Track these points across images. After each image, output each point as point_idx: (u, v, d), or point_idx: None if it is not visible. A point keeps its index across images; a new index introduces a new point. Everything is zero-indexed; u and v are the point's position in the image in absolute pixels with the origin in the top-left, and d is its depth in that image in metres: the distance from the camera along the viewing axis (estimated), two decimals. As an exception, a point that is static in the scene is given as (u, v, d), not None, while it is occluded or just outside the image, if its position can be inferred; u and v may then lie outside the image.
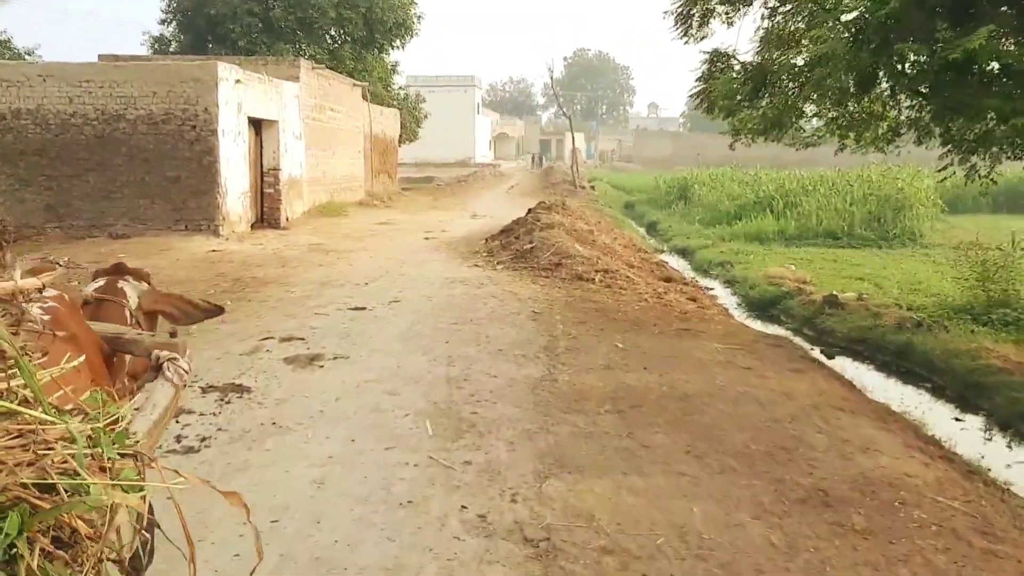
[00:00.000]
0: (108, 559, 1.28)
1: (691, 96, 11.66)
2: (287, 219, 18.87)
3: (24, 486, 1.17)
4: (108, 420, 1.43)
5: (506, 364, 6.96)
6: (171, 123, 14.85)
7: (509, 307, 9.60)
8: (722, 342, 8.42)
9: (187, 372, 2.21)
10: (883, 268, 16.73)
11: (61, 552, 1.21)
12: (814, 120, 11.63)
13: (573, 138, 38.90)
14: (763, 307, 13.51)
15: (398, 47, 33.14)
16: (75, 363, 1.56)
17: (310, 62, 21.11)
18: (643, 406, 6.04)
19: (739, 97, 10.59)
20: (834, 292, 12.61)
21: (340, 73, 25.79)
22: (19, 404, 1.32)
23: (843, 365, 9.12)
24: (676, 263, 19.03)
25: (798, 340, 10.11)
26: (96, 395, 1.52)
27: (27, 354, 1.42)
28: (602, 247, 14.09)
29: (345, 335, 7.84)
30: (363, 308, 9.27)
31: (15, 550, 1.15)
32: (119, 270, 2.93)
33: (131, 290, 2.81)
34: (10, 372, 1.34)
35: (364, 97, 27.39)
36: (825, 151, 12.79)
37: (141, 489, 1.37)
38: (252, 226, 17.39)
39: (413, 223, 20.19)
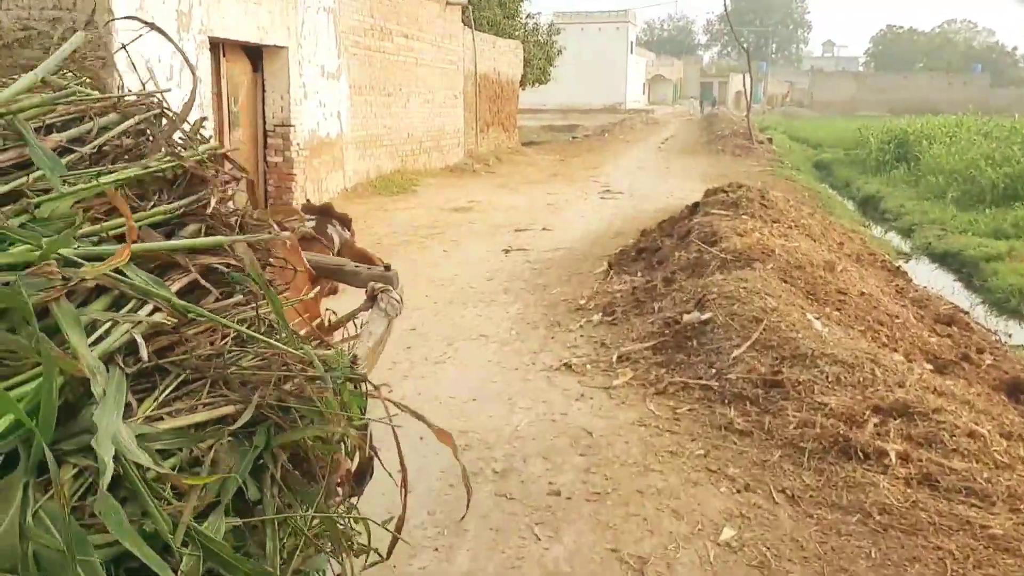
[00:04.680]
0: (337, 477, 1.37)
1: None
2: (308, 201, 12.01)
3: (270, 406, 1.26)
4: (338, 349, 1.55)
5: None
6: (31, 42, 8.13)
7: None
8: None
9: (399, 303, 2.22)
10: None
11: (294, 471, 1.31)
12: None
13: (751, 78, 30.11)
14: None
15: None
16: (311, 294, 1.84)
17: (363, -40, 14.01)
18: None
19: None
20: None
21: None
22: (264, 332, 1.41)
23: None
24: (940, 281, 10.98)
25: None
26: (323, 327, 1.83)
27: (272, 286, 1.53)
28: (860, 310, 6.30)
29: None
30: None
31: (261, 461, 1.23)
32: (326, 211, 2.92)
33: (336, 236, 2.84)
34: (260, 302, 1.43)
35: (465, 22, 20.12)
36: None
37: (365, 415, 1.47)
38: (235, 219, 10.65)
39: (504, 210, 12.88)
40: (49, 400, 0.97)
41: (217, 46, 10.19)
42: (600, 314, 6.48)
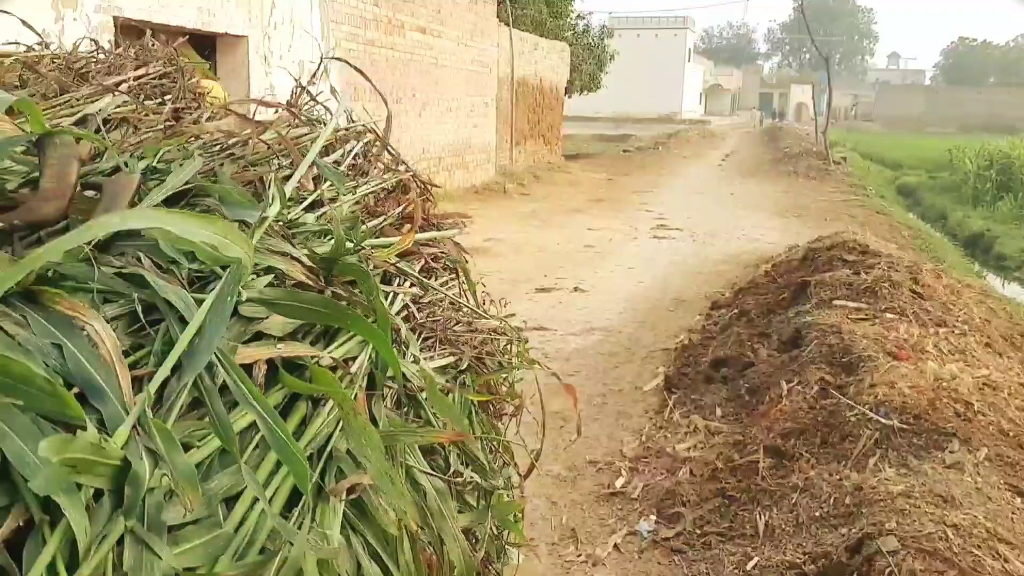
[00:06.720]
0: (509, 414, 1.84)
1: None
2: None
3: (474, 358, 1.62)
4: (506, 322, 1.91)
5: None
6: None
7: None
8: None
9: None
10: None
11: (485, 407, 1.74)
12: None
13: (828, 89, 26.58)
14: None
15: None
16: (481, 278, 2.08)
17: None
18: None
19: None
20: None
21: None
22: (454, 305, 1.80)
23: None
24: None
25: None
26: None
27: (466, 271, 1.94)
28: None
29: None
30: None
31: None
32: None
33: None
34: (460, 281, 1.85)
35: (503, 18, 17.28)
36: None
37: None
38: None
39: (529, 253, 9.97)
40: (386, 341, 1.24)
41: (140, 32, 7.48)
42: (653, 517, 3.55)
